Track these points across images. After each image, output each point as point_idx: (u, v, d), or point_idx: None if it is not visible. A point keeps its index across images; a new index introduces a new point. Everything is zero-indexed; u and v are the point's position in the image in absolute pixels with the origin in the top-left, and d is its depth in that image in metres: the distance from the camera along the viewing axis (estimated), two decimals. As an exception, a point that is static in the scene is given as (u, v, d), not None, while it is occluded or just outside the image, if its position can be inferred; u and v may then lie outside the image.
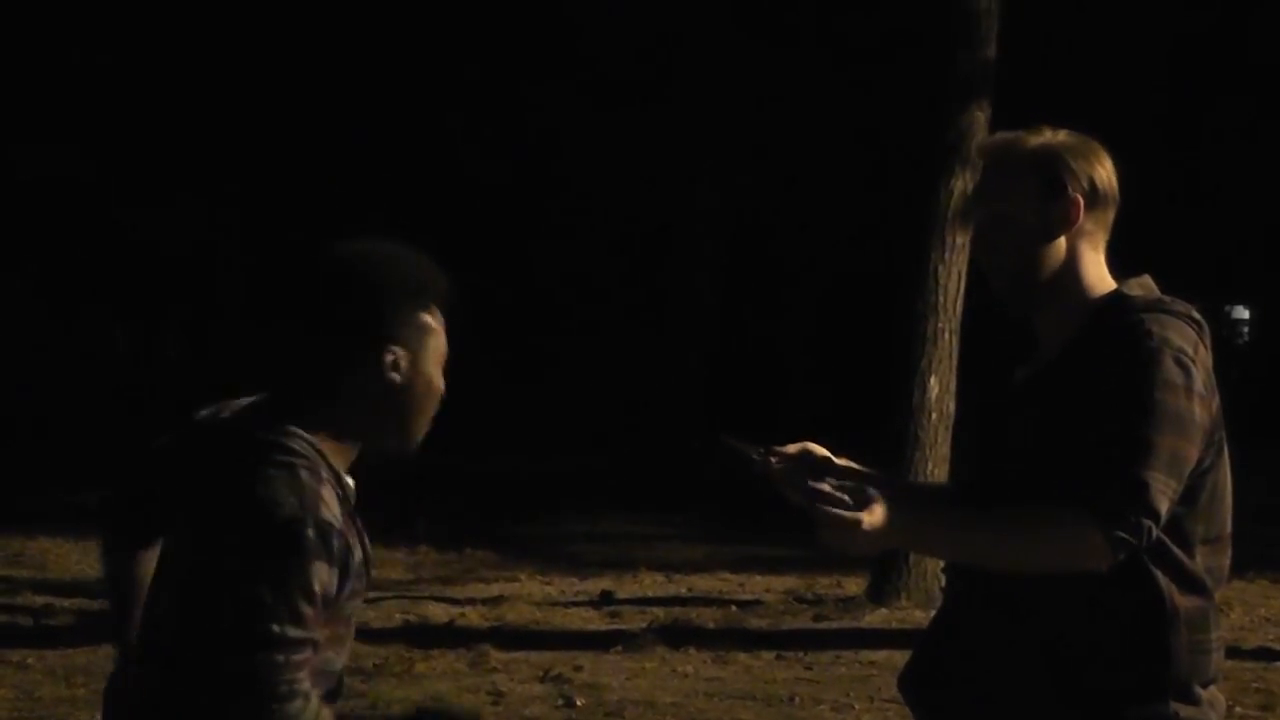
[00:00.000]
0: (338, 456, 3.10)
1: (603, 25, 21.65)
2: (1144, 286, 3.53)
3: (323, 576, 2.96)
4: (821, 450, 3.60)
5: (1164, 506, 3.28)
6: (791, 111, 21.45)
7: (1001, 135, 3.62)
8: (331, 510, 3.00)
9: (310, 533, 2.94)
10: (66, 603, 11.50)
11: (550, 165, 22.57)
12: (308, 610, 2.95)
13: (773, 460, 3.52)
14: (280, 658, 2.93)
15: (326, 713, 3.04)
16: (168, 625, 3.08)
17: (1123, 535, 3.25)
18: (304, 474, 2.99)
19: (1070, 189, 3.48)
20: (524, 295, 23.30)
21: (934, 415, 11.55)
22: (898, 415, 11.65)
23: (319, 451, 3.04)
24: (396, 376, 3.08)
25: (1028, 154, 3.50)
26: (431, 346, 3.12)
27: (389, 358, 3.07)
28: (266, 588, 2.93)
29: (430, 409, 3.15)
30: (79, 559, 13.42)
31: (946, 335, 11.61)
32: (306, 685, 2.98)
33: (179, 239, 23.09)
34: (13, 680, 9.18)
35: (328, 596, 2.99)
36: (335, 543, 2.98)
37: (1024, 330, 3.63)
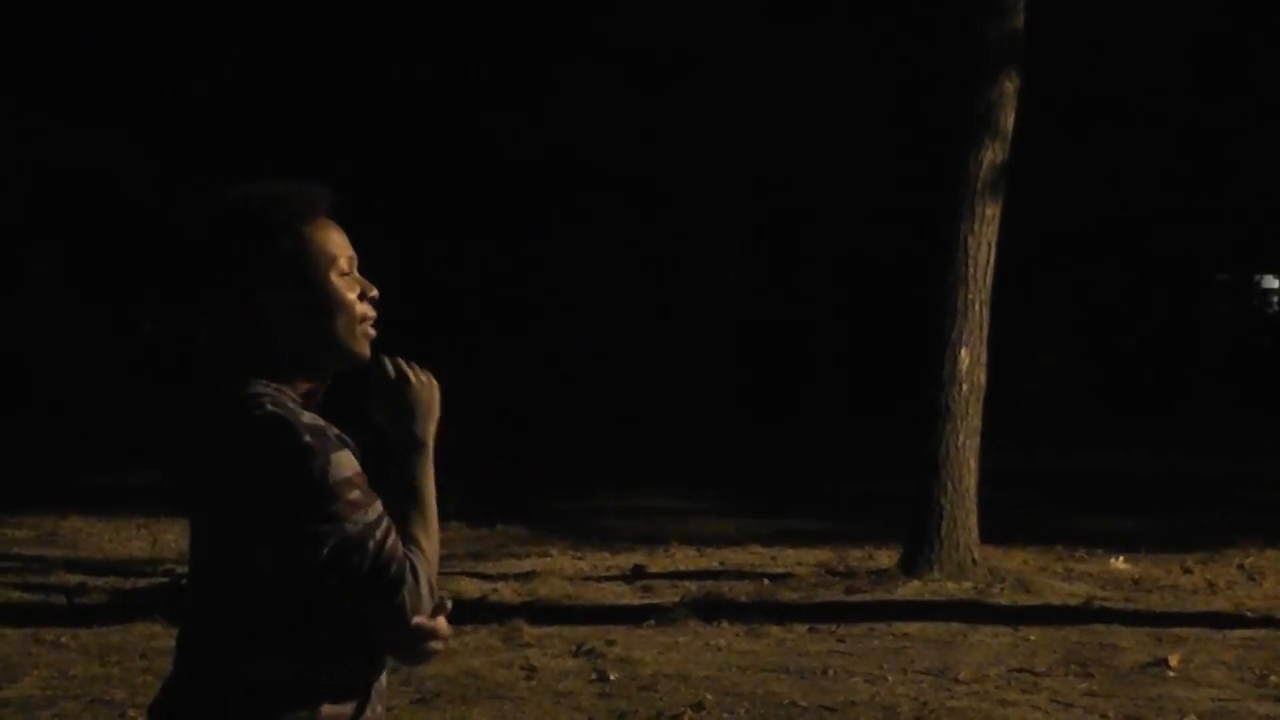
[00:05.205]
0: (306, 400, 3.13)
1: (629, 1, 21.62)
2: None
3: (344, 461, 3.00)
4: None
5: None
6: (819, 85, 21.39)
7: None
8: (311, 417, 3.03)
9: (307, 438, 2.97)
10: (100, 582, 11.54)
11: (578, 142, 22.54)
12: (357, 495, 3.00)
13: None
14: (368, 550, 3.01)
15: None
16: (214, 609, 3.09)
17: None
18: (270, 405, 3.02)
19: None
20: (554, 273, 23.29)
21: (965, 387, 11.53)
22: (929, 387, 11.63)
23: (281, 393, 3.08)
24: (299, 312, 3.11)
25: None
26: (318, 265, 3.14)
27: (281, 297, 3.11)
28: (319, 518, 2.97)
29: (347, 319, 3.15)
30: (111, 538, 13.48)
31: (977, 306, 11.59)
32: (405, 562, 3.10)
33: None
34: (47, 659, 9.21)
35: (365, 479, 3.04)
36: (331, 432, 3.02)
37: None
